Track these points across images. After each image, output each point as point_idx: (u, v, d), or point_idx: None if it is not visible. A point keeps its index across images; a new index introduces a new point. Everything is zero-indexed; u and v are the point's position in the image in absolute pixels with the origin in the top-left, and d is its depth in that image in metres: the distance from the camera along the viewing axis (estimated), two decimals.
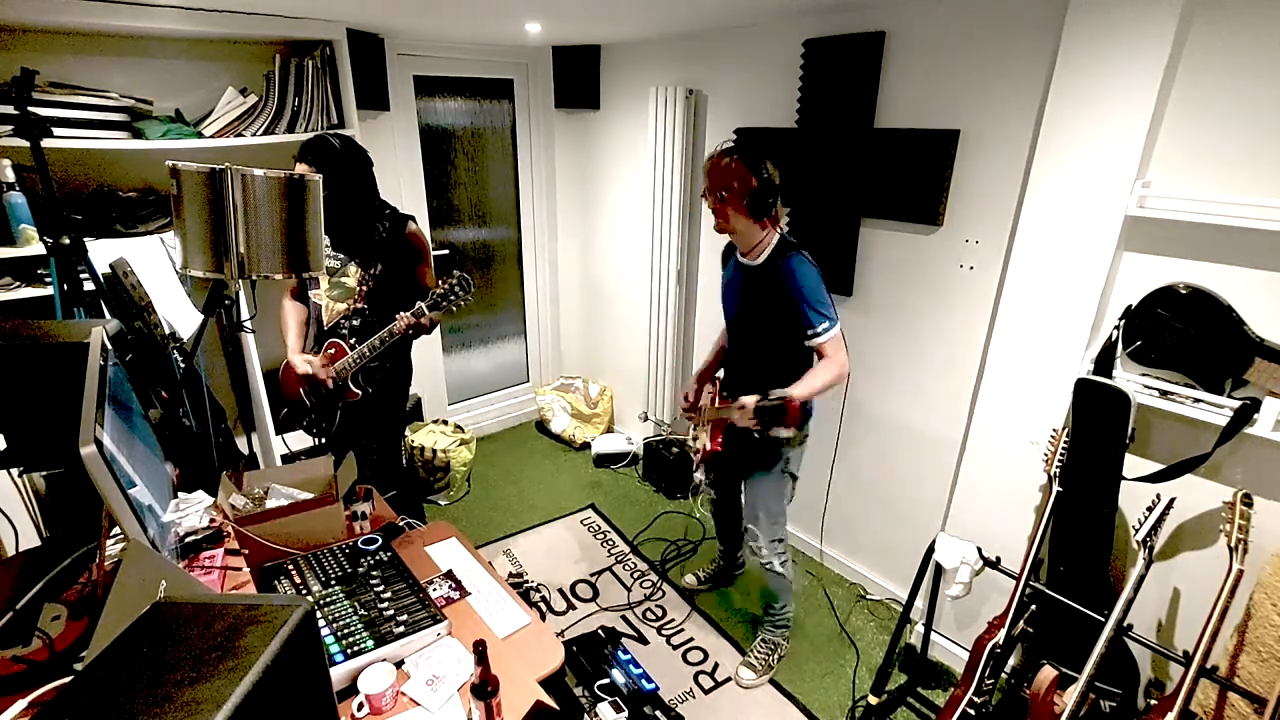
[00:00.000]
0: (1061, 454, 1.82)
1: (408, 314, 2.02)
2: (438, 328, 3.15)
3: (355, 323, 2.19)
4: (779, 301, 1.87)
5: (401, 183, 3.29)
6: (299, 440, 2.71)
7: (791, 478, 2.13)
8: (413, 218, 2.24)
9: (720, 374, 2.26)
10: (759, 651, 2.34)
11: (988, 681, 1.78)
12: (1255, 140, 1.54)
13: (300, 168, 1.98)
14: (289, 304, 2.32)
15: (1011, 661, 2.14)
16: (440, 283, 1.99)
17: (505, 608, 1.52)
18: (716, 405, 2.10)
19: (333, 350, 2.19)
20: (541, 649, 1.42)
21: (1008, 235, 2.03)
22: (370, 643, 1.29)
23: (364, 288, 2.18)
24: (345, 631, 1.32)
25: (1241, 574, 1.46)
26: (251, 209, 1.57)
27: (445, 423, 3.56)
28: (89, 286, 1.97)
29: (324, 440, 2.40)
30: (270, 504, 1.65)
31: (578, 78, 3.52)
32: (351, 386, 2.20)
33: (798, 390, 1.76)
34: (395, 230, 2.19)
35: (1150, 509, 1.61)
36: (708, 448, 2.11)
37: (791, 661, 2.40)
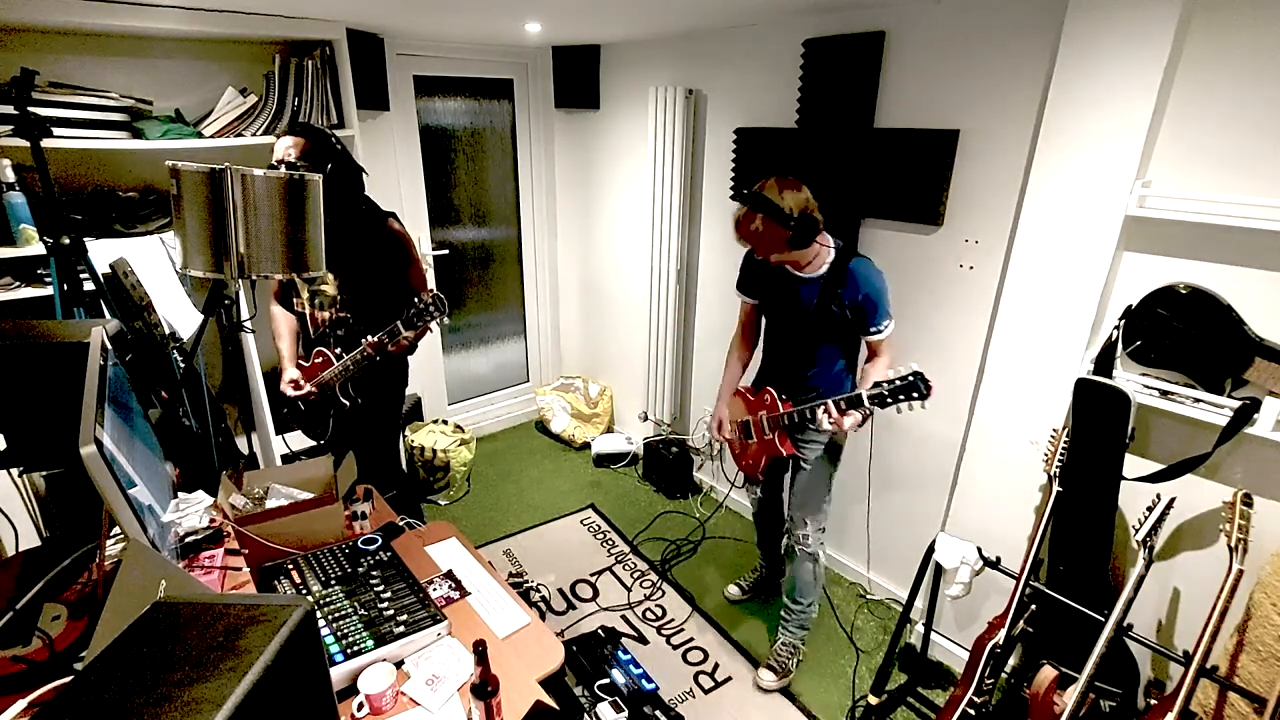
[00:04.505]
0: (1061, 454, 1.82)
1: (383, 333, 1.93)
2: (434, 333, 3.15)
3: (340, 332, 2.13)
4: (848, 304, 1.92)
5: (401, 183, 3.29)
6: (299, 440, 2.72)
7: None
8: (393, 214, 2.11)
9: (744, 384, 2.25)
10: (780, 654, 2.33)
11: (988, 681, 1.78)
12: (1255, 140, 1.54)
13: (288, 140, 1.89)
14: (277, 310, 2.26)
15: (1011, 661, 2.14)
16: (415, 300, 1.87)
17: (505, 608, 1.52)
18: (784, 411, 2.03)
19: (319, 359, 2.15)
20: (541, 649, 1.42)
21: (1008, 235, 2.03)
22: (370, 643, 1.29)
23: (344, 295, 2.10)
24: (345, 631, 1.32)
25: (1241, 574, 1.46)
26: (251, 209, 1.57)
27: (445, 423, 3.56)
28: (89, 286, 1.97)
29: (323, 442, 2.39)
30: (270, 504, 1.65)
31: (578, 78, 3.52)
32: (340, 397, 2.16)
33: (883, 383, 1.76)
34: (374, 227, 2.06)
35: (1150, 509, 1.61)
36: (782, 452, 2.08)
37: None
